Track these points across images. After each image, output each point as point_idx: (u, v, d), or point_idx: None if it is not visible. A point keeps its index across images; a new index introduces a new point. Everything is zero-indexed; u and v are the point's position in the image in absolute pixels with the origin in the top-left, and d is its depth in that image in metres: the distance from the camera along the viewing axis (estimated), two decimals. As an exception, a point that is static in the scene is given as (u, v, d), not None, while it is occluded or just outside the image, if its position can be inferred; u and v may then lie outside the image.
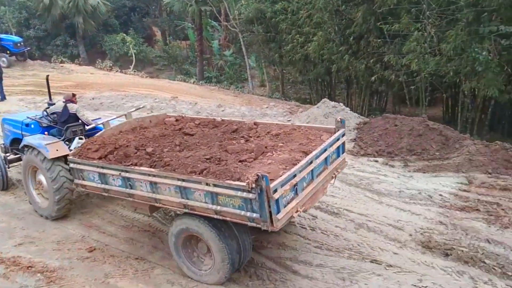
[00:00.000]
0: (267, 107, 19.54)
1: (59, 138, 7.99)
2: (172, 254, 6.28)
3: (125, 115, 8.54)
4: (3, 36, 28.63)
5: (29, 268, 6.51)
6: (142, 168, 5.92)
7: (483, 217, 7.95)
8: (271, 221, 4.91)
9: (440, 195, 8.97)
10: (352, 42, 18.63)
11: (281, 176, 5.08)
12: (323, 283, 5.99)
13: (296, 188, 5.33)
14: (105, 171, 6.29)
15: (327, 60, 19.98)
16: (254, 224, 5.07)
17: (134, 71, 33.74)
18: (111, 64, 34.54)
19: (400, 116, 13.75)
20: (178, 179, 5.46)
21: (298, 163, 5.51)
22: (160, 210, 8.25)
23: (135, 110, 9.41)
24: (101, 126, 8.20)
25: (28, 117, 8.88)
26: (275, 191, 4.82)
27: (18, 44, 28.31)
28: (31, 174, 8.25)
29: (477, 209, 8.26)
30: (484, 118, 17.06)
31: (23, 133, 8.83)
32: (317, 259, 6.61)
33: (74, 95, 8.67)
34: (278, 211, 4.93)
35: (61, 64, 32.84)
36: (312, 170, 5.73)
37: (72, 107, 8.30)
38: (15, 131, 9.21)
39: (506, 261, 6.44)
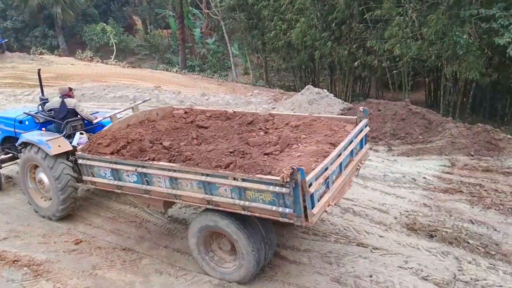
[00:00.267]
0: (251, 95, 19.50)
1: (59, 134, 7.57)
2: (193, 254, 6.06)
3: (132, 108, 8.06)
4: (-21, 28, 28.01)
5: (15, 262, 6.43)
6: (161, 163, 5.59)
7: (466, 198, 8.09)
8: (306, 216, 4.69)
9: (424, 178, 9.09)
10: (334, 28, 18.61)
11: (314, 169, 4.86)
12: (310, 268, 6.05)
13: (328, 181, 5.11)
14: (119, 166, 5.95)
15: (310, 47, 19.95)
16: (286, 220, 4.82)
17: (116, 61, 33.27)
18: (91, 55, 34.00)
19: (384, 101, 13.87)
20: (202, 174, 5.20)
21: (328, 155, 5.28)
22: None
23: (142, 102, 8.94)
24: (102, 120, 7.85)
25: (25, 113, 8.38)
26: (310, 184, 4.58)
27: (-5, 36, 27.71)
28: (30, 173, 7.85)
29: (460, 191, 8.41)
30: (466, 101, 17.27)
31: (17, 130, 8.37)
32: (304, 244, 6.66)
33: (71, 89, 8.19)
34: (313, 206, 4.69)
35: (41, 56, 32.26)
36: (341, 162, 5.51)
37: (70, 102, 7.87)
38: (6, 128, 8.71)
39: (489, 241, 6.58)
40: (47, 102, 8.25)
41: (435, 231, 6.85)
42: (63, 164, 7.15)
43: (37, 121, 8.18)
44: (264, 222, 5.55)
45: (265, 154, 5.60)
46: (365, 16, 16.40)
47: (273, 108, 16.48)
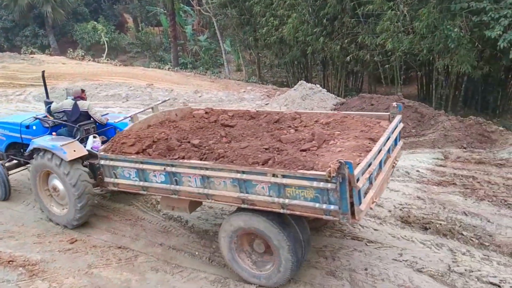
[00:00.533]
0: (244, 92, 19.50)
1: (71, 138, 7.23)
2: (224, 257, 5.81)
3: (152, 108, 7.68)
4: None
5: (10, 262, 6.40)
6: (193, 161, 5.36)
7: (459, 190, 8.15)
8: (352, 213, 4.46)
9: (418, 171, 9.14)
10: (326, 23, 18.61)
11: (359, 163, 4.62)
12: (306, 262, 6.05)
13: (371, 177, 4.86)
14: (145, 166, 5.69)
15: (302, 42, 19.94)
16: (330, 218, 4.61)
17: (107, 60, 33.15)
18: (83, 53, 33.86)
19: (376, 95, 13.95)
20: (238, 171, 4.96)
21: (370, 150, 5.06)
22: (140, 198, 8.25)
23: (162, 102, 8.53)
24: (119, 122, 7.62)
25: (34, 117, 8.01)
26: (357, 179, 4.35)
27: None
28: (42, 180, 7.48)
29: (453, 183, 8.46)
30: (457, 94, 17.37)
31: (23, 136, 8.05)
32: (299, 239, 6.67)
33: (83, 90, 7.88)
34: (360, 202, 4.46)
35: (31, 55, 32.07)
36: (381, 158, 5.29)
37: (83, 105, 7.62)
38: (11, 134, 8.32)
39: (482, 232, 6.64)
40: (53, 105, 7.99)
41: (429, 223, 6.90)
42: (79, 170, 6.87)
43: (47, 125, 7.91)
44: (299, 221, 5.34)
45: (302, 150, 5.39)
46: (356, 11, 16.43)
47: (267, 104, 16.50)
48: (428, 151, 10.31)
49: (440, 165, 9.46)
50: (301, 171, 4.62)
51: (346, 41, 17.85)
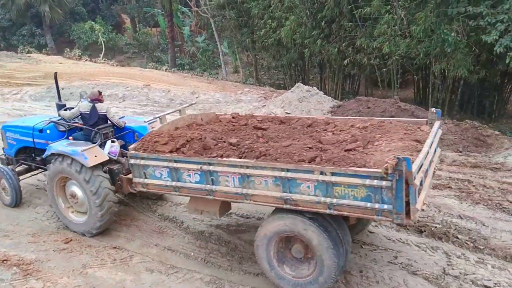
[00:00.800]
0: (241, 93, 19.50)
1: (89, 143, 7.01)
2: (260, 262, 5.50)
3: (179, 110, 7.39)
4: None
5: (4, 261, 6.37)
6: (232, 159, 5.14)
7: (455, 194, 8.17)
8: (407, 213, 4.24)
9: (413, 174, 9.14)
10: (324, 26, 18.65)
11: (413, 161, 4.30)
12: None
13: (422, 178, 4.55)
14: (180, 165, 5.45)
15: (300, 45, 19.97)
16: (382, 218, 4.38)
17: (104, 60, 33.13)
18: (80, 53, 33.81)
19: (373, 98, 13.99)
20: (282, 170, 4.74)
21: (420, 150, 4.83)
22: (135, 199, 8.23)
23: (189, 106, 8.16)
24: (132, 126, 7.54)
25: (51, 121, 7.78)
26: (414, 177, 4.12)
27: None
28: (59, 186, 7.20)
29: (449, 187, 8.49)
30: (454, 98, 17.42)
31: (36, 140, 7.79)
32: (295, 241, 6.67)
33: (100, 93, 7.54)
34: (415, 201, 4.20)
35: (28, 55, 32.01)
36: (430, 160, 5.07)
37: (101, 108, 7.34)
38: (23, 138, 8.04)
39: (477, 236, 6.65)
40: (65, 107, 7.84)
41: (424, 226, 6.91)
42: (100, 177, 6.62)
43: (62, 129, 7.68)
44: (340, 223, 5.11)
45: (346, 150, 5.15)
46: (353, 13, 16.47)
47: (263, 106, 16.49)
48: (424, 154, 10.33)
49: (436, 169, 9.46)
50: (353, 168, 4.43)
51: (343, 44, 17.88)
